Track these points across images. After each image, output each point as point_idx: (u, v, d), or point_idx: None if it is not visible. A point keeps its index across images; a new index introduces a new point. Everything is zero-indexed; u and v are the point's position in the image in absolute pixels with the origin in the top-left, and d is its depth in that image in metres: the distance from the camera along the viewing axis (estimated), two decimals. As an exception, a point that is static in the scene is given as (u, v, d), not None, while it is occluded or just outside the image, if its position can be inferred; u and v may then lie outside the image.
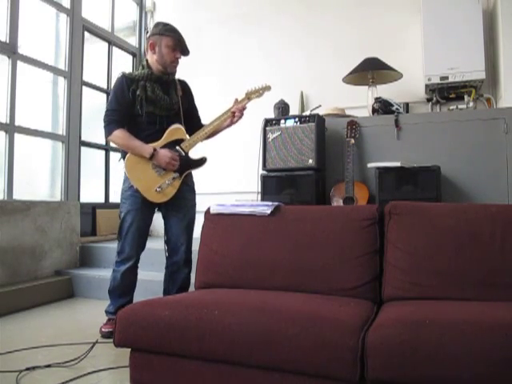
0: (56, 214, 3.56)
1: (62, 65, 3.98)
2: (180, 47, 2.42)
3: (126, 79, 2.38)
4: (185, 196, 2.44)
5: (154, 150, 2.30)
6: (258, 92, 2.56)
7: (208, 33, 4.65)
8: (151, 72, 2.39)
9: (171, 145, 2.38)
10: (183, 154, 2.39)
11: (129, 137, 2.33)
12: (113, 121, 2.34)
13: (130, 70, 2.25)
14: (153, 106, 2.36)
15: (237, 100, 2.53)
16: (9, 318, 2.79)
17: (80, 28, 4.12)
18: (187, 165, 2.41)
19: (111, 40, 4.57)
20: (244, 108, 2.52)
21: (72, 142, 3.98)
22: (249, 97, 2.54)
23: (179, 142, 2.40)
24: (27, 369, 1.88)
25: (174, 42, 2.39)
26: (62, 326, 2.62)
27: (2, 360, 2.01)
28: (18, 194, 3.45)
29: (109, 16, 4.59)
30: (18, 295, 3.01)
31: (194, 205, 2.51)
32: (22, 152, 3.52)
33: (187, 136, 2.45)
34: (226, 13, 4.59)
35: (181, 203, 2.42)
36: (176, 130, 2.41)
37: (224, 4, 4.63)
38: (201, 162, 2.44)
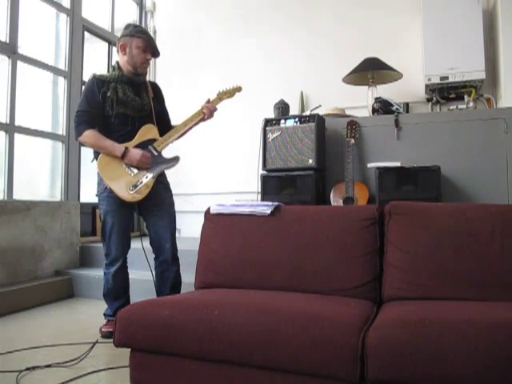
0: (56, 214, 3.56)
1: (62, 65, 3.98)
2: (150, 48, 2.44)
3: (96, 81, 2.38)
4: (161, 194, 2.44)
5: (126, 148, 2.31)
6: (230, 93, 2.59)
7: (208, 33, 4.65)
8: (122, 73, 2.41)
9: (144, 144, 2.38)
10: (156, 153, 2.39)
11: (99, 137, 2.33)
12: (83, 121, 2.34)
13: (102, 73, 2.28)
14: (124, 107, 2.36)
15: (209, 100, 2.55)
16: (9, 318, 2.79)
17: (80, 28, 4.12)
18: (160, 163, 2.40)
19: (111, 40, 4.57)
20: (214, 109, 2.53)
21: (72, 142, 3.97)
22: (220, 97, 2.57)
23: (152, 141, 2.41)
24: (27, 369, 1.88)
25: (144, 43, 2.41)
26: (62, 326, 2.62)
27: (2, 360, 2.01)
28: (18, 194, 3.45)
29: (109, 16, 4.60)
30: (18, 295, 3.01)
31: (172, 202, 2.51)
32: (21, 152, 3.52)
33: (159, 136, 2.45)
34: (226, 13, 4.59)
35: (159, 202, 2.42)
36: (148, 129, 2.42)
37: (224, 4, 4.63)
38: (173, 160, 2.43)
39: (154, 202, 2.40)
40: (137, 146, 2.36)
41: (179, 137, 2.51)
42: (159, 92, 2.62)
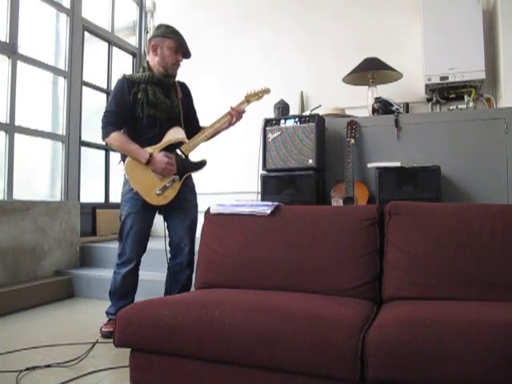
0: (56, 214, 3.56)
1: (62, 65, 3.98)
2: (182, 50, 2.42)
3: (127, 81, 2.36)
4: (186, 197, 2.44)
5: (150, 155, 2.29)
6: (258, 95, 2.57)
7: (208, 33, 4.65)
8: (152, 75, 2.39)
9: (171, 147, 2.38)
10: (183, 156, 2.39)
11: (126, 140, 2.32)
12: (111, 123, 2.33)
13: (131, 72, 2.24)
14: (154, 109, 2.35)
15: (239, 103, 2.54)
16: (9, 318, 2.79)
17: (80, 28, 4.12)
18: (187, 167, 2.41)
19: (111, 40, 4.57)
20: (243, 111, 2.52)
21: (72, 142, 3.98)
22: (248, 99, 2.55)
23: (179, 144, 2.40)
24: (27, 369, 1.88)
25: (176, 44, 2.39)
26: (62, 326, 2.62)
27: (2, 360, 2.01)
28: (18, 194, 3.45)
29: (109, 16, 4.60)
30: (18, 295, 3.01)
31: (195, 205, 2.51)
32: (21, 152, 3.52)
33: (186, 139, 2.45)
34: (225, 13, 4.59)
35: (182, 204, 2.42)
36: (176, 132, 2.41)
37: (224, 4, 4.63)
38: (200, 164, 2.45)
39: (178, 204, 2.40)
40: (164, 149, 2.35)
41: (207, 139, 2.50)
42: (188, 92, 2.60)
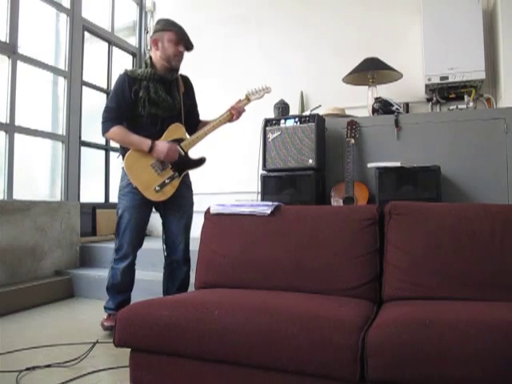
0: (56, 214, 3.56)
1: (62, 65, 3.98)
2: (183, 41, 2.40)
3: (128, 78, 2.35)
4: (183, 194, 2.44)
5: (153, 142, 2.30)
6: (259, 94, 2.57)
7: (208, 33, 4.64)
8: (154, 71, 2.37)
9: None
10: (182, 153, 2.39)
11: (126, 132, 2.32)
12: (110, 118, 2.34)
13: (133, 68, 2.26)
14: (155, 107, 2.35)
15: (239, 100, 2.54)
16: (9, 318, 2.79)
17: (80, 28, 4.12)
18: (186, 164, 2.42)
19: (111, 40, 4.57)
20: (243, 110, 2.53)
21: (72, 142, 3.98)
22: (249, 98, 2.55)
23: (179, 141, 2.41)
24: (27, 369, 1.88)
25: (176, 35, 2.37)
26: (61, 326, 2.62)
27: (2, 360, 2.01)
28: (18, 194, 3.45)
29: (109, 16, 4.60)
30: (18, 295, 3.01)
31: (192, 203, 2.52)
32: (22, 152, 3.52)
33: (187, 135, 2.46)
34: (225, 13, 4.59)
35: (179, 202, 2.43)
36: (176, 128, 2.41)
37: (224, 4, 4.63)
38: (200, 161, 2.45)
39: (175, 201, 2.40)
40: None
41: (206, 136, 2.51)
42: (190, 86, 2.58)
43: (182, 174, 2.40)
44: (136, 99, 2.33)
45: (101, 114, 2.39)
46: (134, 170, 2.34)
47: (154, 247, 2.76)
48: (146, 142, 2.30)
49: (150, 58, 2.43)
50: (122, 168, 2.40)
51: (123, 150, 2.40)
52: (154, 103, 2.34)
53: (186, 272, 2.45)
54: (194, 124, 2.52)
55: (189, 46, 2.45)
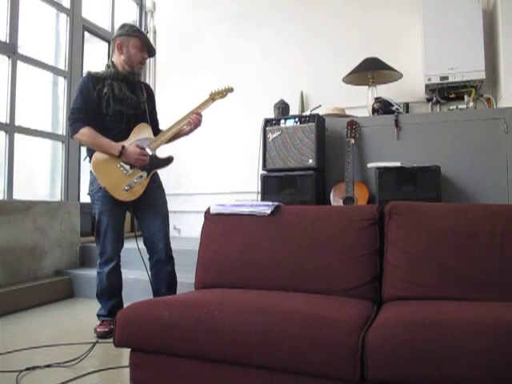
0: (56, 214, 3.56)
1: (62, 65, 3.98)
2: (147, 47, 2.47)
3: (91, 78, 2.39)
4: (154, 193, 2.45)
5: (123, 147, 2.30)
6: (221, 93, 2.60)
7: (208, 33, 4.65)
8: (117, 71, 2.42)
9: (139, 143, 2.38)
10: (150, 152, 2.39)
11: (96, 134, 2.31)
12: (78, 119, 2.32)
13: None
14: (120, 104, 2.36)
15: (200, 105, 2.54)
16: (9, 318, 2.79)
17: (80, 28, 4.12)
18: (154, 164, 2.41)
19: (111, 40, 4.56)
20: (199, 116, 2.49)
21: (72, 142, 3.97)
22: (213, 97, 2.58)
23: (146, 140, 2.42)
24: (27, 369, 1.88)
25: (141, 42, 2.44)
26: (62, 326, 2.62)
27: (1, 360, 2.01)
28: (18, 194, 3.45)
29: (109, 16, 4.59)
30: (18, 295, 3.01)
31: (165, 201, 2.52)
32: (22, 152, 3.52)
33: (153, 136, 2.46)
34: (225, 12, 4.59)
35: (152, 202, 2.43)
36: (143, 128, 2.43)
37: (224, 4, 4.63)
38: (168, 160, 2.45)
39: (147, 202, 2.41)
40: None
41: (172, 139, 2.52)
42: (151, 93, 2.64)
43: (150, 173, 2.39)
44: (100, 98, 2.34)
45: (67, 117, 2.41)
46: (102, 171, 2.34)
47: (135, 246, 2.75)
48: (116, 147, 2.30)
49: (112, 62, 2.47)
50: (91, 171, 2.39)
51: (90, 152, 2.39)
52: (119, 100, 2.36)
53: (170, 271, 2.45)
54: (155, 131, 2.54)
55: (152, 52, 2.53)
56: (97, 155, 2.34)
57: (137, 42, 2.42)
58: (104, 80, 2.38)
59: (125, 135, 2.37)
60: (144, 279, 2.91)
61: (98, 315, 2.47)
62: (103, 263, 2.42)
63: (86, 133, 2.31)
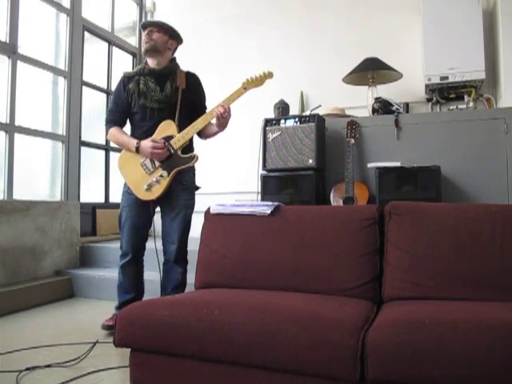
0: (56, 214, 3.56)
1: (62, 65, 3.98)
2: (145, 26, 2.44)
3: (124, 78, 2.46)
4: (178, 195, 2.38)
5: (137, 143, 2.32)
6: (258, 80, 2.43)
7: (208, 32, 4.65)
8: (144, 66, 2.44)
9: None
10: (172, 151, 2.31)
11: (119, 133, 2.41)
12: (109, 121, 2.45)
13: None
14: (143, 97, 2.37)
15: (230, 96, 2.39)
16: (9, 318, 2.79)
17: (80, 28, 4.11)
18: (176, 162, 2.32)
19: (111, 40, 4.57)
20: (222, 108, 2.30)
21: (72, 142, 3.97)
22: (245, 87, 2.39)
23: (170, 138, 2.33)
24: (27, 369, 1.88)
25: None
26: (62, 326, 2.62)
27: (1, 360, 2.01)
28: (18, 194, 3.45)
29: (109, 16, 4.59)
30: (18, 295, 3.01)
31: (189, 205, 2.43)
32: (22, 152, 3.52)
33: (177, 133, 2.34)
34: (225, 12, 4.59)
35: (173, 202, 2.38)
36: (167, 126, 2.35)
37: (224, 4, 4.63)
38: (190, 159, 2.33)
39: (169, 202, 2.38)
40: None
41: (204, 136, 2.48)
42: (193, 83, 2.49)
43: (170, 172, 2.32)
44: (129, 96, 2.39)
45: (102, 118, 2.49)
46: (126, 169, 2.39)
47: (153, 247, 2.75)
48: (132, 143, 2.34)
49: (146, 60, 2.51)
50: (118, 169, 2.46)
51: None
52: (143, 94, 2.36)
53: (180, 273, 2.41)
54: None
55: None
56: (123, 154, 2.42)
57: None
58: (133, 77, 2.41)
59: (151, 133, 2.34)
60: (146, 279, 2.91)
61: (115, 307, 2.49)
62: (120, 256, 2.46)
63: (111, 133, 2.42)
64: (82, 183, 4.10)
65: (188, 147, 2.39)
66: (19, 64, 3.50)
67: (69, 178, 3.93)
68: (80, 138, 4.08)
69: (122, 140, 2.40)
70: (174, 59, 2.53)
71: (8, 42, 3.41)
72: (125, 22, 4.98)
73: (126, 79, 2.43)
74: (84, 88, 4.18)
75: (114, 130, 2.41)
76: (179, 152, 2.33)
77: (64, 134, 3.93)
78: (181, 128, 2.35)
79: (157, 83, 2.38)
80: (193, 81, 2.50)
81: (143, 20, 5.01)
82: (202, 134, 2.48)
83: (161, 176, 2.32)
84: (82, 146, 4.14)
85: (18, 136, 3.49)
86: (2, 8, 3.39)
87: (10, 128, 3.41)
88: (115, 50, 4.66)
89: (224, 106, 2.30)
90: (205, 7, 4.71)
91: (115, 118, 2.43)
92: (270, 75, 2.43)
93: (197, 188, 2.48)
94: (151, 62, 2.44)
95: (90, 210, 4.17)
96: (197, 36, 4.69)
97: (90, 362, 1.99)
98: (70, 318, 2.85)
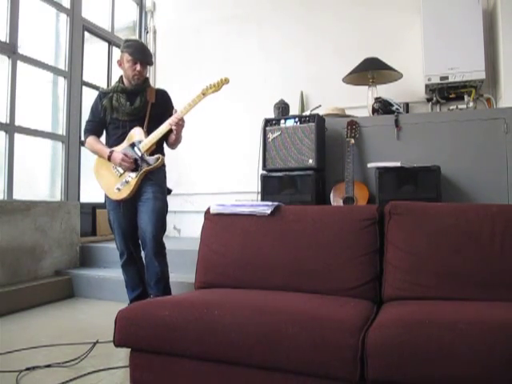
0: (56, 214, 3.56)
1: (62, 65, 3.98)
2: (139, 60, 2.53)
3: (100, 94, 2.67)
4: (147, 190, 2.52)
5: (110, 152, 2.51)
6: (215, 86, 2.55)
7: (208, 33, 4.65)
8: (118, 85, 2.61)
9: (132, 146, 2.52)
10: (139, 154, 2.50)
11: (95, 142, 2.62)
12: (87, 130, 2.67)
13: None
14: (116, 112, 2.57)
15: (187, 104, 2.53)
16: (9, 318, 2.79)
17: (80, 28, 4.12)
18: (143, 164, 2.51)
19: (111, 40, 4.57)
20: (176, 119, 2.47)
21: (72, 142, 3.98)
22: (204, 93, 2.54)
23: (139, 143, 2.53)
24: (27, 369, 1.88)
25: (131, 57, 2.53)
26: (62, 326, 2.62)
27: (2, 360, 2.01)
28: (18, 194, 3.45)
29: (109, 16, 4.59)
30: (18, 295, 3.01)
31: (157, 197, 2.53)
32: (22, 152, 3.52)
33: (144, 138, 2.53)
34: (225, 13, 4.59)
35: (143, 197, 2.52)
36: (136, 132, 2.53)
37: (224, 4, 4.63)
38: (155, 161, 2.51)
39: (139, 198, 2.52)
40: (126, 148, 2.53)
41: (166, 139, 2.58)
42: (162, 98, 2.65)
43: (138, 173, 2.50)
44: (104, 110, 2.60)
45: None
46: (100, 174, 2.60)
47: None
48: (105, 152, 2.54)
49: (121, 76, 2.64)
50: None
51: None
52: (115, 109, 2.57)
53: (158, 266, 2.47)
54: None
55: (148, 62, 2.60)
56: (96, 161, 2.62)
57: (128, 57, 2.53)
58: (108, 94, 2.61)
59: (122, 139, 2.56)
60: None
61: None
62: (119, 257, 2.63)
63: (89, 141, 2.64)
64: (82, 183, 4.10)
65: (156, 151, 2.55)
66: (19, 64, 3.50)
67: (69, 178, 3.93)
68: (80, 138, 4.07)
69: (97, 148, 2.60)
70: (147, 79, 2.69)
71: (8, 41, 3.41)
72: (125, 22, 4.98)
73: (102, 94, 2.63)
74: (84, 88, 4.18)
75: (90, 139, 2.62)
76: (146, 155, 2.51)
77: (64, 134, 3.93)
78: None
79: (127, 99, 2.57)
80: (161, 96, 2.67)
81: (143, 20, 5.02)
82: (168, 143, 2.64)
83: (129, 177, 2.51)
84: (82, 146, 4.14)
85: (18, 136, 3.49)
86: (2, 8, 3.39)
87: (10, 128, 3.41)
88: (115, 50, 4.66)
89: (178, 117, 2.48)
90: (205, 7, 4.71)
91: (92, 128, 2.65)
92: (226, 81, 2.56)
93: (169, 191, 2.66)
94: (127, 83, 2.60)
95: (90, 210, 4.17)
96: (197, 36, 4.70)
97: (90, 362, 1.99)
98: (69, 318, 2.85)
